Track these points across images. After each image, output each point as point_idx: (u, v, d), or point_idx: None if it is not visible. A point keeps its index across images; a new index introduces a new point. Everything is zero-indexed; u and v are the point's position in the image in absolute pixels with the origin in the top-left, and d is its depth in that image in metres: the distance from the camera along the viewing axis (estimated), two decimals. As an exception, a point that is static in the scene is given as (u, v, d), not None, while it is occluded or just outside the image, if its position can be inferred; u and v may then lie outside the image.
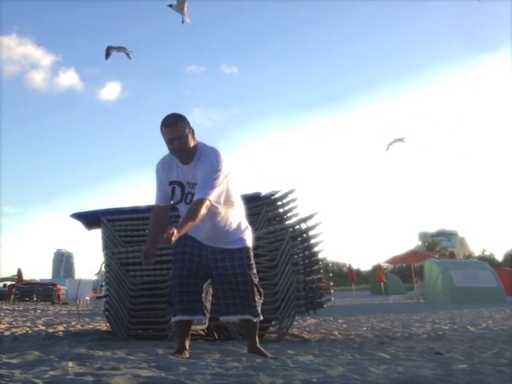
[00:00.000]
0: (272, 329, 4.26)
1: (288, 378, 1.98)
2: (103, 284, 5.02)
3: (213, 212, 2.79)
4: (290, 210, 4.54)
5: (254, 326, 2.94)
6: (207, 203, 2.66)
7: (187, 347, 2.86)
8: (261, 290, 2.98)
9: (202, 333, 4.76)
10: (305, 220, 4.16)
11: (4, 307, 12.36)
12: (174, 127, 2.76)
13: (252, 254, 3.05)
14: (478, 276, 15.75)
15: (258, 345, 2.95)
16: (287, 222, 4.36)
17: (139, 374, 2.01)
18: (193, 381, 1.90)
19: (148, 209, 4.66)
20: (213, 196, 2.69)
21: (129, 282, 4.10)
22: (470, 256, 54.30)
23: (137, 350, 3.00)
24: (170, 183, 2.88)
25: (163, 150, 2.87)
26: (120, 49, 6.32)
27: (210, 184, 2.70)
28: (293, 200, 4.51)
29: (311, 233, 4.24)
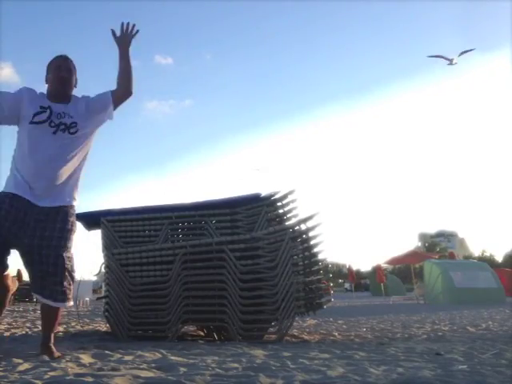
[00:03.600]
0: (272, 329, 4.26)
1: (288, 379, 1.98)
2: (103, 285, 5.01)
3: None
4: (290, 210, 4.54)
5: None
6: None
7: None
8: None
9: (202, 333, 4.76)
10: (305, 221, 4.16)
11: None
12: (67, 60, 2.89)
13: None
14: (477, 277, 15.75)
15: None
16: (287, 223, 4.36)
17: (139, 375, 2.01)
18: (193, 382, 1.90)
19: (148, 209, 4.67)
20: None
21: (129, 282, 4.10)
22: (469, 257, 54.27)
23: (137, 350, 3.00)
24: (39, 106, 2.75)
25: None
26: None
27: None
28: (293, 201, 4.51)
29: (311, 234, 4.24)
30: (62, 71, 2.83)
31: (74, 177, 2.83)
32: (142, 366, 2.32)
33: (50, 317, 2.73)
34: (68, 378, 1.96)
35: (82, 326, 5.70)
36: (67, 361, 2.46)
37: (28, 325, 5.88)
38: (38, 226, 2.66)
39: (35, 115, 2.73)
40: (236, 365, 2.42)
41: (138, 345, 3.42)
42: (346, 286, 39.14)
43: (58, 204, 2.75)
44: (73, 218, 2.82)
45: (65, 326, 5.79)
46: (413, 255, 22.38)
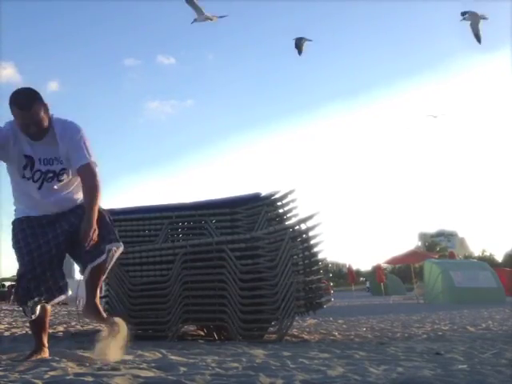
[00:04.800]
0: (272, 329, 4.26)
1: (288, 379, 1.98)
2: (103, 284, 5.01)
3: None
4: (290, 210, 4.54)
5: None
6: (94, 166, 2.59)
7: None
8: None
9: (202, 333, 4.76)
10: (305, 220, 4.16)
11: (4, 307, 12.36)
12: (30, 111, 2.45)
13: None
14: (477, 276, 15.75)
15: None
16: (287, 223, 4.36)
17: (139, 375, 2.01)
18: (193, 381, 1.90)
19: (148, 209, 4.67)
20: (94, 157, 2.60)
21: (129, 282, 4.10)
22: (469, 256, 54.24)
23: (137, 350, 3.00)
24: (25, 156, 2.58)
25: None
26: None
27: (85, 147, 2.59)
28: (292, 200, 4.51)
29: (311, 233, 4.24)
30: (30, 129, 2.51)
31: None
32: (141, 366, 2.32)
33: (97, 275, 2.65)
34: (68, 377, 1.96)
35: (81, 326, 5.70)
36: (67, 360, 2.46)
37: (28, 324, 5.88)
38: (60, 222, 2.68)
39: (24, 168, 2.60)
40: (236, 364, 2.42)
41: (138, 344, 3.42)
42: (368, 284, 38.20)
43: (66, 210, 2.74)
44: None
45: (65, 325, 5.79)
46: (413, 255, 22.36)
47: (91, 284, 2.66)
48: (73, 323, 6.15)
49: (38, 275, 2.55)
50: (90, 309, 2.64)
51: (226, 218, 4.56)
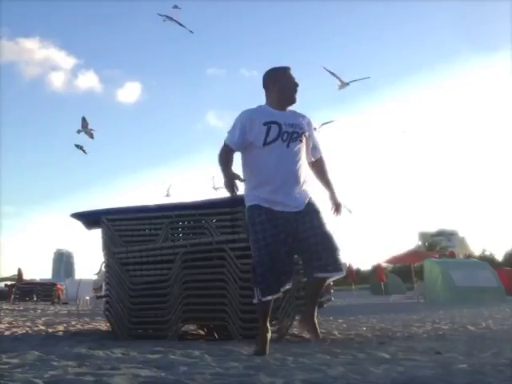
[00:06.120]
0: (272, 329, 4.26)
1: (288, 378, 1.98)
2: (103, 284, 5.02)
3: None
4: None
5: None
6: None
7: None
8: None
9: (202, 332, 4.76)
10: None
11: (4, 307, 12.36)
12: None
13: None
14: (478, 276, 15.73)
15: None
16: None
17: (139, 374, 2.01)
18: (193, 380, 1.90)
19: (148, 208, 4.66)
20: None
21: (129, 281, 4.10)
22: (470, 256, 54.21)
23: (137, 349, 3.00)
24: (266, 123, 3.03)
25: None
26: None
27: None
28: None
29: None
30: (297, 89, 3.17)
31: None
32: (142, 365, 2.32)
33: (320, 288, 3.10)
34: (68, 376, 1.96)
35: (82, 325, 5.71)
36: (67, 359, 2.46)
37: (28, 324, 5.89)
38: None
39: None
40: (236, 364, 2.41)
41: (138, 344, 3.42)
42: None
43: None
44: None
45: (65, 325, 5.80)
46: (413, 254, 22.39)
47: (315, 295, 3.11)
48: (73, 323, 6.16)
49: None
50: (308, 320, 3.12)
51: (227, 218, 4.55)
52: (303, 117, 3.22)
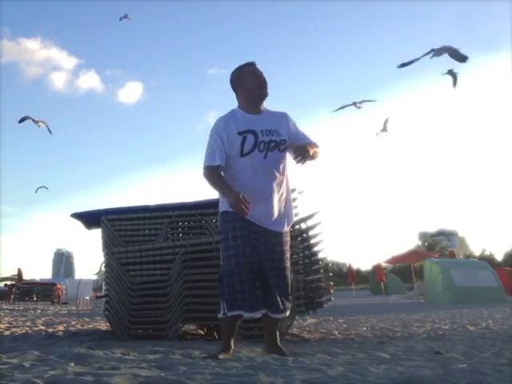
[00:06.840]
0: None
1: (288, 378, 1.98)
2: (103, 284, 5.02)
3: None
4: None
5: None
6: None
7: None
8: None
9: (202, 332, 4.76)
10: (304, 220, 4.16)
11: (4, 307, 12.36)
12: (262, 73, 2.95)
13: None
14: (477, 276, 15.74)
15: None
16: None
17: (139, 374, 2.01)
18: (193, 380, 1.90)
19: (148, 209, 4.67)
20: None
21: (129, 281, 4.10)
22: (470, 256, 54.29)
23: (137, 349, 3.00)
24: (240, 133, 2.83)
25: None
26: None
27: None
28: (292, 199, 4.51)
29: (311, 232, 4.24)
30: (266, 88, 2.93)
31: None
32: (141, 365, 2.32)
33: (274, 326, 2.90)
34: (68, 376, 1.96)
35: (82, 325, 5.71)
36: (67, 359, 2.46)
37: (28, 324, 5.89)
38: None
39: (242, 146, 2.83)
40: (236, 364, 2.41)
41: (138, 344, 3.42)
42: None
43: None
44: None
45: (65, 324, 5.80)
46: (413, 254, 22.38)
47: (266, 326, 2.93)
48: (73, 323, 6.16)
49: None
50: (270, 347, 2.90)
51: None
52: (280, 116, 2.97)
